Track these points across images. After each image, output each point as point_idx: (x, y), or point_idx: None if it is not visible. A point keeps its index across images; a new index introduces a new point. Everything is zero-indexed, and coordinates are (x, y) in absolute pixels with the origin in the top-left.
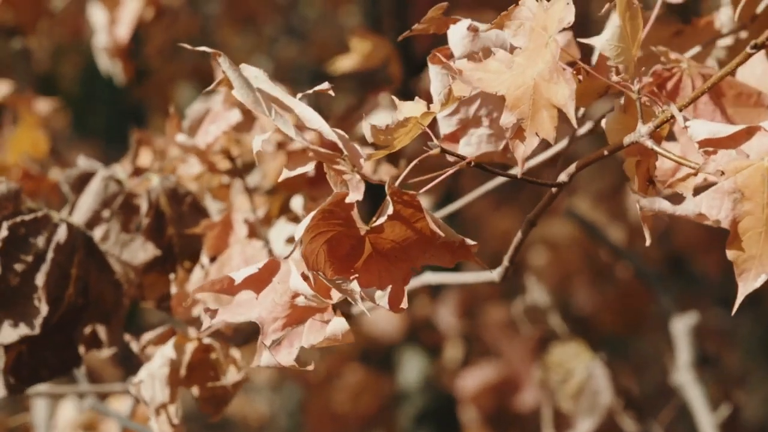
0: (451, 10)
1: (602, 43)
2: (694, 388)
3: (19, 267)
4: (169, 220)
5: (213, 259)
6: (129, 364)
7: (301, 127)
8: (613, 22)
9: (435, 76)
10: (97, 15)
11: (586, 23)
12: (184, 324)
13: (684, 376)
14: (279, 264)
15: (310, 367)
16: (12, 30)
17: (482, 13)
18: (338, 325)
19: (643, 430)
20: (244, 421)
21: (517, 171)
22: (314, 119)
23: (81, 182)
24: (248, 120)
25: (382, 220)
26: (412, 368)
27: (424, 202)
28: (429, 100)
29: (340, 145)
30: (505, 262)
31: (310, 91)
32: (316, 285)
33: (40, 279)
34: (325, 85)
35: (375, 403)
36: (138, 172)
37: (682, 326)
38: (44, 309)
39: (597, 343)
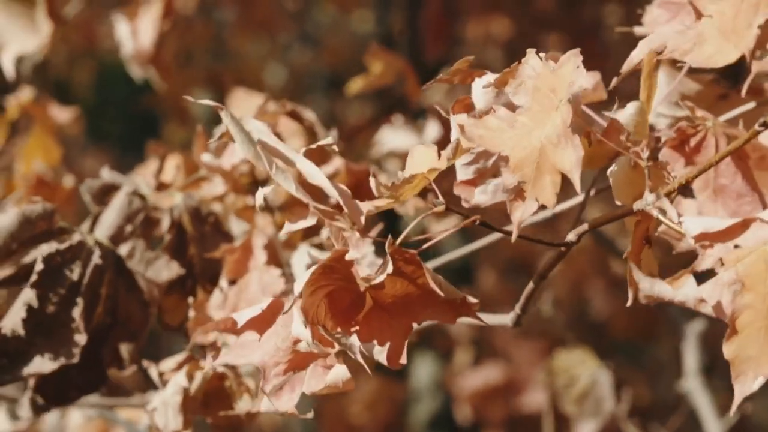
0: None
1: (626, 118)
2: (701, 395)
3: (55, 296)
4: (191, 239)
5: (233, 283)
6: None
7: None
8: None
9: (455, 128)
10: (121, 26)
11: None
12: (201, 349)
13: (691, 383)
14: (283, 304)
15: (310, 415)
16: None
17: (494, 18)
18: (340, 372)
19: None
20: (258, 428)
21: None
22: (315, 174)
23: (103, 194)
24: None
25: (381, 278)
26: (423, 373)
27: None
28: (438, 116)
29: (341, 202)
30: (517, 310)
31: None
32: (316, 335)
33: (77, 307)
34: (329, 140)
35: (390, 411)
36: (161, 186)
37: (689, 332)
38: (83, 338)
39: (610, 349)
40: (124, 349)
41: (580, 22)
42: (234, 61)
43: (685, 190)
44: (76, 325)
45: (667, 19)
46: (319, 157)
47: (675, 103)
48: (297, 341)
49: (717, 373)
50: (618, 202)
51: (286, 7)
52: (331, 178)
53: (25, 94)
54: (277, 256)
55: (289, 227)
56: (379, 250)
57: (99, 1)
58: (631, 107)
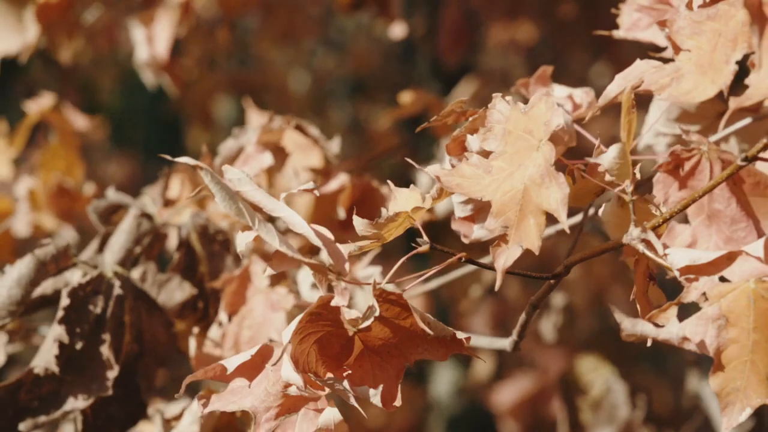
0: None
1: (609, 161)
2: (716, 400)
3: (82, 330)
4: (200, 258)
5: (231, 316)
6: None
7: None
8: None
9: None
10: (136, 32)
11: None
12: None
13: (707, 388)
14: (272, 349)
15: None
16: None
17: (519, 22)
18: (331, 415)
19: None
20: None
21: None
22: (298, 223)
23: (109, 213)
24: (279, 160)
25: (368, 322)
26: (443, 378)
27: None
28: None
29: (325, 252)
30: (514, 336)
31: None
32: (308, 381)
33: (105, 340)
34: (310, 185)
35: (409, 416)
36: (168, 203)
37: None
38: (115, 368)
39: (635, 356)
40: (157, 376)
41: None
42: (258, 67)
43: (680, 215)
44: (106, 358)
45: (648, 23)
46: (325, 172)
47: (675, 120)
48: (288, 385)
49: None
50: (608, 232)
51: (310, 13)
52: (337, 193)
53: (45, 101)
54: (284, 274)
55: (270, 272)
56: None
57: (122, 7)
58: (613, 150)
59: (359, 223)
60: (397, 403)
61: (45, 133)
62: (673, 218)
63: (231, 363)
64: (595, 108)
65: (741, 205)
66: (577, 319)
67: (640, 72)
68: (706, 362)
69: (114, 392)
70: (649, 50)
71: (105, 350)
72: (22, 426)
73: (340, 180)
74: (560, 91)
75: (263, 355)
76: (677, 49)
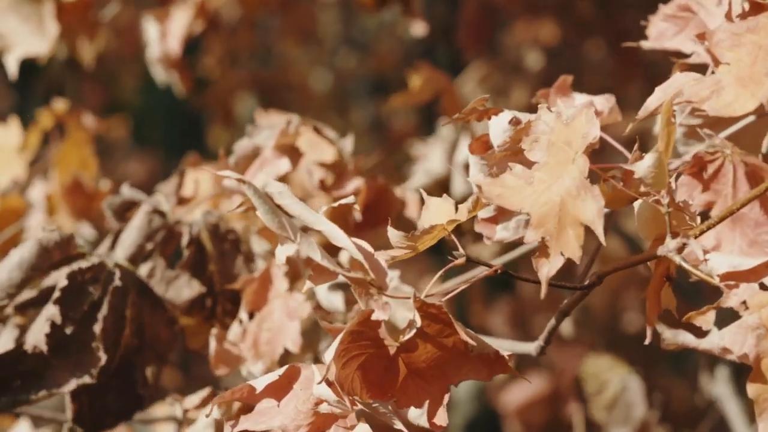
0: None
1: (644, 170)
2: (731, 401)
3: (75, 315)
4: (210, 256)
5: (251, 315)
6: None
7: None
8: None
9: (474, 166)
10: (149, 28)
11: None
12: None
13: (721, 389)
14: (299, 370)
15: None
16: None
17: (541, 22)
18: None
19: None
20: None
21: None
22: (339, 237)
23: (124, 210)
24: (293, 159)
25: (410, 334)
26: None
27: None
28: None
29: (366, 266)
30: (541, 341)
31: None
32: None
33: (97, 326)
34: (351, 199)
35: None
36: (182, 201)
37: None
38: (102, 357)
39: (653, 356)
40: (158, 370)
41: (619, 28)
42: (280, 66)
43: (703, 216)
44: (96, 345)
45: (674, 32)
46: (340, 174)
47: (690, 113)
48: (318, 403)
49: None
50: (642, 237)
51: (331, 12)
52: (353, 196)
53: (59, 107)
54: (300, 276)
55: (310, 285)
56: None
57: (142, 4)
58: (649, 159)
59: (394, 235)
60: (443, 423)
61: (59, 132)
62: (696, 216)
63: (259, 383)
64: (629, 129)
65: (765, 209)
66: (594, 320)
67: (679, 84)
68: (722, 363)
69: (111, 383)
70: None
71: (95, 338)
72: (1, 403)
73: (354, 183)
74: (581, 98)
75: (290, 376)
76: (717, 62)
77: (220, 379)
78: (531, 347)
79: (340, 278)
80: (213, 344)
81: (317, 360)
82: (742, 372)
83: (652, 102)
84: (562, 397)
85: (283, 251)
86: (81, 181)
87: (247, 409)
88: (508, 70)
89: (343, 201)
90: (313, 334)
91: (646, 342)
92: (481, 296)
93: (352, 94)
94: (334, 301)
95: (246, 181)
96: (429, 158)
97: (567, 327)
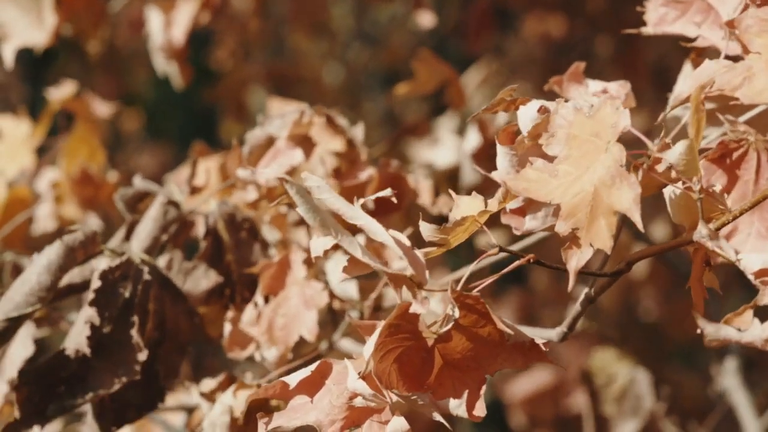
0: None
1: (676, 157)
2: (739, 393)
3: (110, 314)
4: (227, 246)
5: (267, 299)
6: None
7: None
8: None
9: (502, 156)
10: (153, 17)
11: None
12: (240, 364)
13: (730, 381)
14: (331, 366)
15: None
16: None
17: (551, 15)
18: (398, 425)
19: None
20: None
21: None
22: (378, 231)
23: (136, 201)
24: (307, 153)
25: (449, 326)
26: None
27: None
28: (479, 124)
29: (406, 261)
30: (564, 328)
31: None
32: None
33: (133, 324)
34: (388, 192)
35: None
36: (194, 190)
37: None
38: (143, 353)
39: (668, 351)
40: (178, 361)
41: (627, 23)
42: (292, 59)
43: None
44: (135, 342)
45: (675, 17)
46: (352, 162)
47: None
48: (353, 397)
49: (755, 371)
50: (675, 222)
51: (344, 5)
52: (365, 185)
53: (67, 89)
54: (312, 263)
55: (344, 277)
56: None
57: None
58: (680, 146)
59: (426, 229)
60: (482, 413)
61: (68, 121)
62: (726, 202)
63: (292, 380)
64: (660, 119)
65: None
66: (603, 314)
67: (711, 72)
68: (730, 355)
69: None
70: (674, 43)
71: (133, 335)
72: (49, 410)
73: (368, 172)
74: (595, 85)
75: (323, 372)
76: (746, 49)
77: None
78: (553, 334)
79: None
80: (228, 326)
81: (332, 348)
82: (750, 364)
83: (683, 90)
84: (568, 390)
85: (321, 244)
86: (89, 171)
87: (259, 402)
88: (515, 66)
89: (380, 194)
90: (327, 323)
91: (699, 331)
92: (491, 289)
93: (364, 87)
94: (348, 289)
95: (288, 179)
96: (438, 148)
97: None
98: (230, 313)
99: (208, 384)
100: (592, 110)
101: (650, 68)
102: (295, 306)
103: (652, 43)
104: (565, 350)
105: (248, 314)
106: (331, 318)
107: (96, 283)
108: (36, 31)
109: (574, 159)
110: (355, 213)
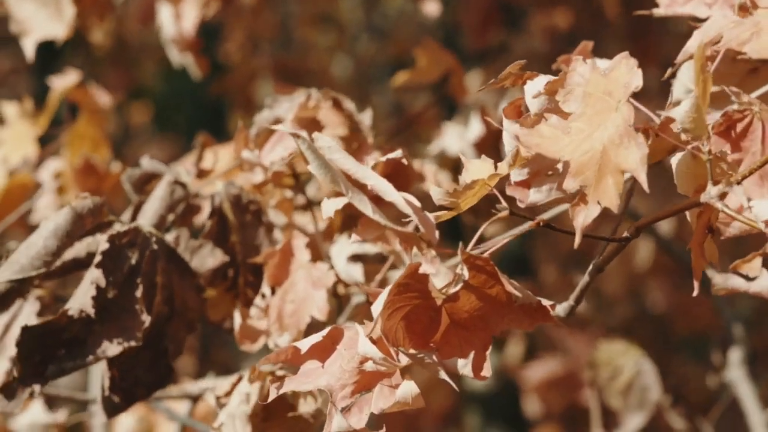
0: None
1: (682, 114)
2: (744, 384)
3: (115, 279)
4: (233, 227)
5: (273, 290)
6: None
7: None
8: (689, 95)
9: (509, 131)
10: (162, 9)
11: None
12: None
13: (734, 373)
14: (342, 331)
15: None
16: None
17: (558, 8)
18: (408, 389)
19: (693, 427)
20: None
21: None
22: (388, 191)
23: (143, 182)
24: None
25: (458, 287)
26: None
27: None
28: (481, 113)
29: (416, 219)
30: (571, 301)
31: None
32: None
33: (138, 290)
34: (398, 153)
35: (446, 398)
36: (201, 174)
37: (733, 322)
38: (146, 320)
39: (675, 343)
40: (186, 339)
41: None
42: (301, 52)
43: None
44: (138, 308)
45: None
46: (360, 148)
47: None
48: (363, 361)
49: (760, 363)
50: (680, 191)
51: None
52: (371, 169)
53: (70, 78)
54: (318, 250)
55: (357, 239)
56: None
57: None
58: (686, 104)
59: (436, 192)
60: (487, 373)
61: (72, 112)
62: (734, 165)
63: (303, 345)
64: (669, 73)
65: None
66: (613, 306)
67: (718, 27)
68: (735, 347)
69: (142, 354)
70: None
71: (137, 301)
72: (48, 371)
73: (373, 156)
74: (602, 64)
75: (334, 337)
76: (754, 4)
77: (240, 364)
78: (560, 308)
79: (359, 250)
80: (237, 320)
81: None
82: (755, 356)
83: (691, 45)
84: (578, 381)
85: (333, 204)
86: (92, 161)
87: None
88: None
89: (391, 155)
90: (332, 310)
91: (694, 294)
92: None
93: (372, 80)
94: (353, 272)
95: (300, 134)
96: (444, 138)
97: (585, 310)
98: (239, 306)
99: (223, 386)
100: (606, 68)
101: (660, 63)
102: (303, 290)
103: (662, 41)
104: (575, 341)
105: (256, 308)
106: (336, 304)
107: (103, 246)
108: (55, 23)
109: (587, 117)
110: (365, 173)
